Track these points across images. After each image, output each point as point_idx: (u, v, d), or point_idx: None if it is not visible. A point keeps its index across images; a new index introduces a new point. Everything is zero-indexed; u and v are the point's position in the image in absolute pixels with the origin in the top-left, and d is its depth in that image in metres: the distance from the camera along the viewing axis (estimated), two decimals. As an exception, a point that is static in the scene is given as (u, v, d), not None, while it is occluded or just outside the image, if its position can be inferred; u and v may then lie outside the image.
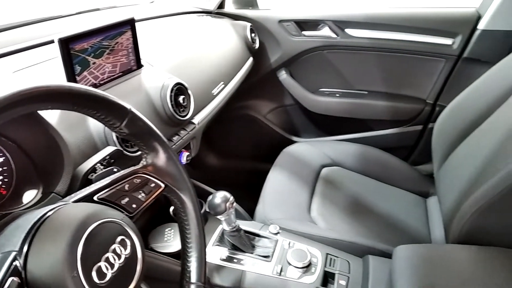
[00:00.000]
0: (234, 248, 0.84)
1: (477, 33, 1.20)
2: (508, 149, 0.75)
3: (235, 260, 0.83)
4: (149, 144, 0.52)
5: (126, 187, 0.49)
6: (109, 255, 0.40)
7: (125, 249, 0.42)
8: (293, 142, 1.47)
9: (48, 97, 0.40)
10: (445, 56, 1.28)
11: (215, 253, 0.84)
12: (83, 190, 0.46)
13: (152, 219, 0.97)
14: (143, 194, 0.50)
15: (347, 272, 0.82)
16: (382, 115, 1.41)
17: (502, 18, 1.15)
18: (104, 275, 0.39)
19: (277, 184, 1.12)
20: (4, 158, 0.56)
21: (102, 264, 0.39)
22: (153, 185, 0.52)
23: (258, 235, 0.89)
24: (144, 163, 0.53)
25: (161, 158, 0.53)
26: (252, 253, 0.84)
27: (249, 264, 0.82)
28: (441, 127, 1.08)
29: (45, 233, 0.38)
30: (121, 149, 0.61)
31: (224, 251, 0.84)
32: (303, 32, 1.40)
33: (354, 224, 1.00)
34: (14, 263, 0.35)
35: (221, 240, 0.87)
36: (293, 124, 1.61)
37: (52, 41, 0.80)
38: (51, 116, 0.59)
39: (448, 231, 0.84)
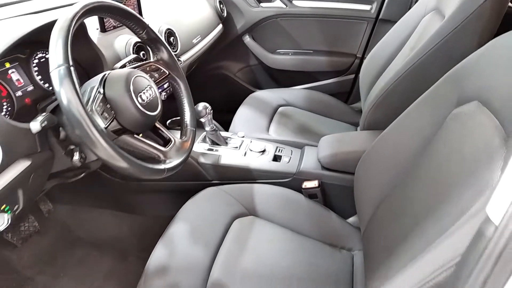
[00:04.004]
0: (213, 143, 1.21)
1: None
2: (401, 83, 1.05)
3: (214, 150, 1.19)
4: (158, 47, 0.89)
5: (147, 69, 0.86)
6: (145, 91, 0.76)
7: (152, 92, 0.78)
8: None
9: (106, 8, 0.75)
10: (367, 19, 1.67)
11: (201, 147, 1.20)
12: (124, 68, 0.83)
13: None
14: (156, 75, 0.87)
15: (290, 154, 1.19)
16: (324, 67, 1.79)
17: None
18: (144, 100, 0.75)
19: (245, 115, 1.48)
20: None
21: (142, 94, 0.75)
22: (161, 71, 0.89)
23: (230, 137, 1.27)
24: (155, 58, 0.90)
25: (166, 56, 0.90)
26: (225, 146, 1.22)
27: (223, 151, 1.18)
28: (363, 72, 1.44)
29: (111, 78, 0.73)
30: (139, 55, 0.97)
31: (207, 145, 1.21)
32: (261, 4, 1.75)
33: (299, 135, 1.38)
34: (98, 89, 0.71)
35: (204, 139, 1.23)
36: (258, 80, 1.95)
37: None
38: (94, 39, 0.95)
39: None
